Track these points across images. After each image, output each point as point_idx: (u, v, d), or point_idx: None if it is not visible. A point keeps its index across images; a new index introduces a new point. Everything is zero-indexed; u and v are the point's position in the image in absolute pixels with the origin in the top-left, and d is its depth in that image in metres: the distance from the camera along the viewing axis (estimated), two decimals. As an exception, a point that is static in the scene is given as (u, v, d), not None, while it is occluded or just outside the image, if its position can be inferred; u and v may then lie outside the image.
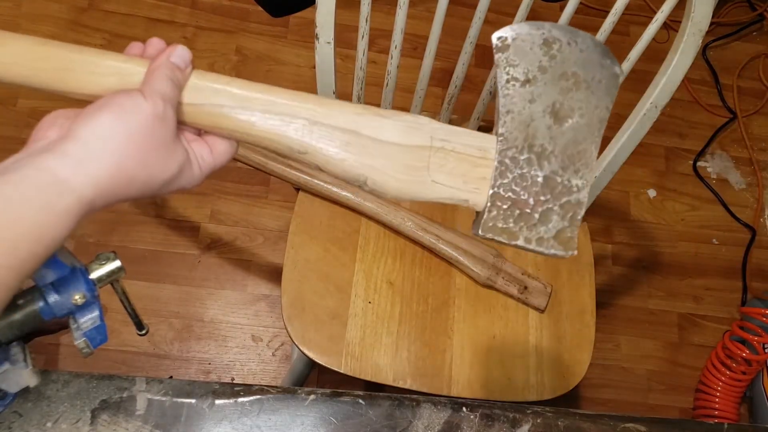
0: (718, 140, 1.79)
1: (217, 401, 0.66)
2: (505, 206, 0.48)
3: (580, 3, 0.84)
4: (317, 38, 0.83)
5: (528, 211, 0.48)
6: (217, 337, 1.39)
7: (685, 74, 0.83)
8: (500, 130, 0.48)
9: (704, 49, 1.88)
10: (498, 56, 0.48)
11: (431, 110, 1.11)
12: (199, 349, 1.38)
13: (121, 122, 0.42)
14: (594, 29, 0.87)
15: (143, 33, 1.64)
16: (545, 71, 0.48)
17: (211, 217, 1.49)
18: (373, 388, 0.80)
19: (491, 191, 0.48)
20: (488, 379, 0.94)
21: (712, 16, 0.79)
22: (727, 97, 1.84)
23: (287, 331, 0.93)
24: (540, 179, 0.48)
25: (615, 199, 1.68)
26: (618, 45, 1.79)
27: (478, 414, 0.69)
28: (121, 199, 0.43)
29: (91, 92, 0.46)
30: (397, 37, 0.87)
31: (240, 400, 0.66)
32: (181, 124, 0.47)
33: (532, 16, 1.78)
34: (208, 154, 0.48)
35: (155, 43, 0.49)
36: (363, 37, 0.86)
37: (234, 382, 1.35)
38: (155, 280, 1.41)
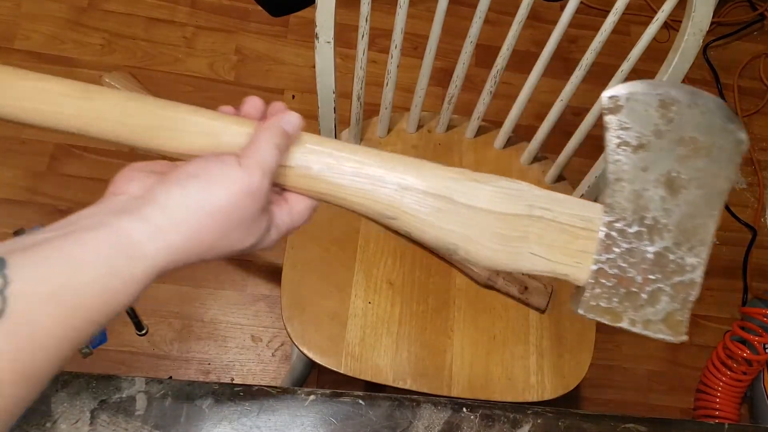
0: (719, 140, 1.79)
1: (217, 401, 0.66)
2: (609, 284, 0.44)
3: (581, 2, 0.84)
4: (317, 38, 0.83)
5: (635, 290, 0.45)
6: (216, 337, 1.39)
7: (686, 74, 0.83)
8: (608, 200, 0.45)
9: (705, 49, 1.88)
10: (608, 118, 0.44)
11: (431, 110, 1.11)
12: (198, 349, 1.38)
13: (209, 194, 0.39)
14: (594, 29, 0.87)
15: (143, 32, 1.64)
16: (661, 136, 0.44)
17: (211, 217, 1.48)
18: (373, 389, 0.80)
19: (595, 267, 0.44)
20: (488, 380, 0.94)
21: (713, 16, 0.79)
22: (728, 97, 1.83)
23: (287, 332, 0.93)
24: (650, 255, 0.44)
25: (615, 199, 1.68)
26: (619, 45, 1.79)
27: (478, 414, 0.69)
28: (196, 262, 0.41)
29: (182, 152, 0.44)
30: (398, 37, 0.87)
31: (239, 400, 0.66)
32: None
33: (533, 15, 1.77)
34: (288, 216, 0.46)
35: (254, 102, 0.46)
36: (363, 36, 0.86)
37: (234, 382, 1.35)
38: (154, 280, 1.41)
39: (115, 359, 1.34)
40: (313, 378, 1.37)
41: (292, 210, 0.46)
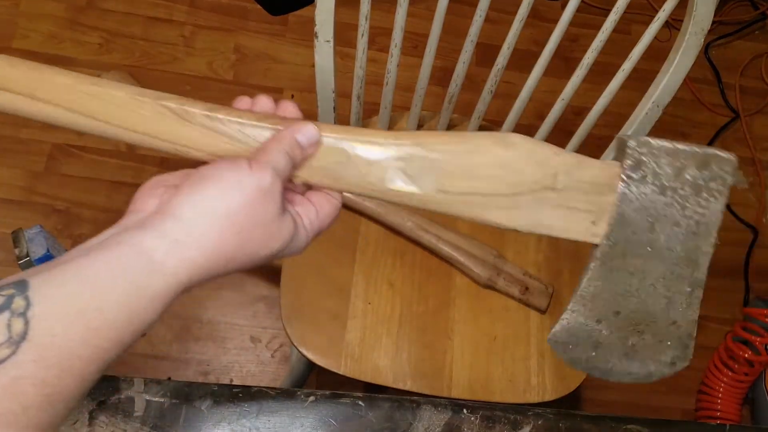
0: (721, 140, 1.78)
1: (216, 402, 0.65)
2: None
3: (582, 1, 0.84)
4: (316, 36, 0.82)
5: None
6: (215, 338, 1.39)
7: (687, 73, 0.82)
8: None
9: (706, 48, 1.88)
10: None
11: (432, 109, 1.10)
12: (197, 350, 1.37)
13: (222, 199, 0.39)
14: (596, 27, 0.86)
15: (141, 32, 1.63)
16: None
17: (211, 216, 1.48)
18: (373, 390, 0.80)
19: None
20: (489, 381, 0.93)
21: (714, 15, 0.78)
22: (730, 97, 1.83)
23: (286, 332, 0.92)
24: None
25: (616, 199, 1.67)
26: (620, 44, 1.78)
27: (478, 416, 0.69)
28: (221, 275, 0.40)
29: (201, 156, 0.44)
30: (397, 36, 0.86)
31: (239, 401, 0.66)
32: (288, 184, 0.44)
33: (533, 14, 1.77)
34: (315, 216, 0.46)
35: (263, 103, 0.46)
36: (363, 35, 0.85)
37: (233, 383, 1.34)
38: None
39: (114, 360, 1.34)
40: (313, 379, 1.37)
41: (319, 211, 0.46)
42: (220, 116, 0.44)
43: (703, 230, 0.46)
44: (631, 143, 0.46)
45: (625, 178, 0.46)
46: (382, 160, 0.45)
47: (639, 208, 0.46)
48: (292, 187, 0.46)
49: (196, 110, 0.44)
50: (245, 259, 0.40)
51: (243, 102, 0.46)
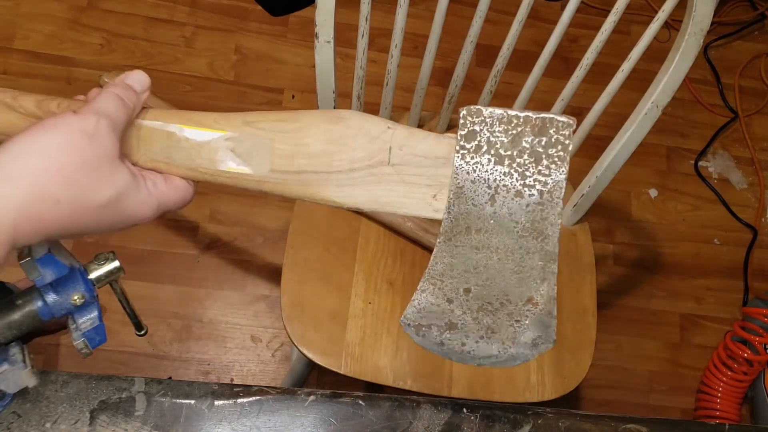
0: (720, 140, 1.79)
1: (217, 402, 0.65)
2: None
3: (581, 2, 0.84)
4: (317, 37, 0.83)
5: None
6: (216, 337, 1.39)
7: (687, 74, 0.82)
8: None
9: (705, 49, 1.88)
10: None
11: (432, 110, 1.10)
12: (198, 349, 1.37)
13: (40, 140, 0.38)
14: (595, 28, 0.86)
15: (142, 32, 1.63)
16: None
17: (211, 217, 1.48)
18: (373, 389, 0.80)
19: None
20: (489, 380, 0.93)
21: (714, 16, 0.78)
22: (729, 97, 1.83)
23: (287, 332, 0.92)
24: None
25: (616, 199, 1.68)
26: (619, 44, 1.79)
27: (478, 415, 0.69)
28: (56, 229, 0.39)
29: None
30: (398, 36, 0.87)
31: (239, 400, 0.66)
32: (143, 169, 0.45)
33: (533, 15, 1.77)
34: (162, 182, 0.45)
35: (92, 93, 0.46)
36: (363, 36, 0.86)
37: (233, 382, 1.35)
38: (154, 281, 1.41)
39: (115, 359, 1.34)
40: (313, 378, 1.37)
41: (167, 180, 0.45)
42: (52, 106, 0.45)
43: (547, 199, 0.44)
44: (463, 112, 0.44)
45: (458, 149, 0.44)
46: (211, 141, 0.45)
47: (476, 179, 0.44)
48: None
49: (29, 100, 0.45)
50: (73, 199, 0.39)
51: (92, 93, 0.46)
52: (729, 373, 1.46)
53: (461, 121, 0.44)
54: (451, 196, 0.44)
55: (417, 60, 0.96)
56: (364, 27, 0.85)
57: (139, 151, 0.46)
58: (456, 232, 0.45)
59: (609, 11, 0.83)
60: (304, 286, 0.95)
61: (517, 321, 0.47)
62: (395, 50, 0.89)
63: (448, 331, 0.48)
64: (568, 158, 0.44)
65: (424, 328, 0.48)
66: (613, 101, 0.89)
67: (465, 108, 0.44)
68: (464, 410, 0.69)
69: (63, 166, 0.38)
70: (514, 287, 0.46)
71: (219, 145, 0.45)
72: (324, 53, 0.84)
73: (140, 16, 1.65)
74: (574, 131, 0.44)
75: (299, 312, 0.93)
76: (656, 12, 0.81)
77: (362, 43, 0.86)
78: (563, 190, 0.44)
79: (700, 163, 1.74)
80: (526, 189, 0.44)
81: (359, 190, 0.45)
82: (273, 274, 1.45)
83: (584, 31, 1.81)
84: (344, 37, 1.65)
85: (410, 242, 1.01)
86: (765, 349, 1.43)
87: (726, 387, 1.45)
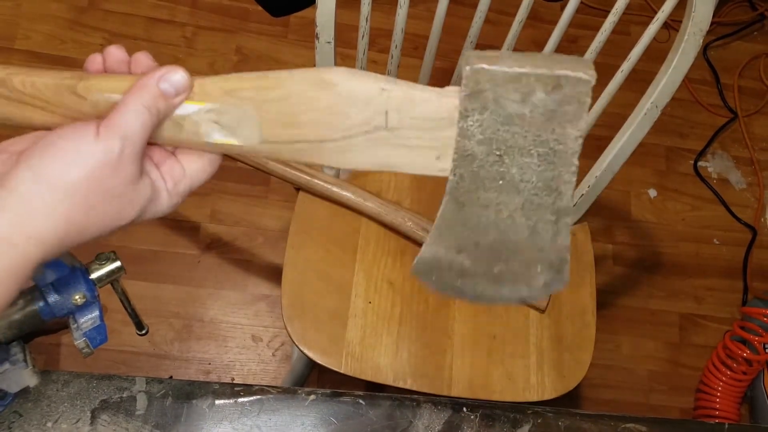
0: (719, 140, 1.79)
1: (217, 401, 0.66)
2: None
3: (581, 2, 0.84)
4: (317, 38, 0.83)
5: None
6: (217, 337, 1.39)
7: (686, 74, 0.83)
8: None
9: (705, 49, 1.88)
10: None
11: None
12: (199, 349, 1.38)
13: (64, 172, 0.36)
14: (595, 28, 0.87)
15: (143, 32, 1.64)
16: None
17: (212, 217, 1.49)
18: (374, 389, 0.80)
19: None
20: (489, 380, 0.94)
21: (713, 16, 0.79)
22: (728, 97, 1.83)
23: (287, 331, 0.93)
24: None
25: (616, 199, 1.68)
26: (619, 44, 1.79)
27: (478, 414, 0.69)
28: (77, 244, 0.38)
29: (46, 124, 0.41)
30: (398, 37, 0.87)
31: (240, 400, 0.66)
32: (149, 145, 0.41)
33: (533, 15, 1.77)
34: (182, 175, 0.42)
35: (116, 55, 0.42)
36: (363, 36, 0.86)
37: (234, 382, 1.35)
38: (155, 280, 1.41)
39: (116, 359, 1.34)
40: (314, 378, 1.37)
41: (186, 168, 0.43)
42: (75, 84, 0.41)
43: (560, 159, 0.42)
44: (467, 70, 0.40)
45: (462, 110, 0.41)
46: (192, 114, 0.42)
47: (483, 140, 0.41)
48: (154, 146, 0.43)
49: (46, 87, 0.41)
50: (101, 226, 0.38)
51: (95, 62, 0.43)
52: (728, 372, 1.46)
53: (464, 81, 0.40)
54: (456, 158, 0.42)
55: (417, 60, 0.96)
56: (364, 27, 0.85)
57: None
58: (462, 192, 0.43)
59: (608, 11, 0.83)
60: (305, 286, 0.96)
61: (528, 267, 0.45)
62: (395, 51, 0.89)
63: (460, 279, 0.46)
64: (584, 115, 0.41)
65: (435, 276, 0.46)
66: (612, 101, 0.89)
67: (469, 66, 0.40)
68: (464, 409, 0.69)
69: (89, 201, 0.37)
70: (526, 240, 0.44)
71: (200, 117, 0.42)
72: (324, 54, 0.85)
73: (141, 16, 1.66)
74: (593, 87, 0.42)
75: (300, 311, 0.94)
76: (656, 12, 0.81)
77: (363, 43, 0.87)
78: (579, 148, 0.42)
79: (700, 164, 1.74)
80: (537, 148, 0.41)
81: (358, 155, 0.43)
82: (273, 274, 1.45)
83: (584, 31, 1.81)
84: (345, 37, 1.65)
85: (410, 242, 1.01)
86: (764, 348, 1.43)
87: (725, 386, 1.46)
